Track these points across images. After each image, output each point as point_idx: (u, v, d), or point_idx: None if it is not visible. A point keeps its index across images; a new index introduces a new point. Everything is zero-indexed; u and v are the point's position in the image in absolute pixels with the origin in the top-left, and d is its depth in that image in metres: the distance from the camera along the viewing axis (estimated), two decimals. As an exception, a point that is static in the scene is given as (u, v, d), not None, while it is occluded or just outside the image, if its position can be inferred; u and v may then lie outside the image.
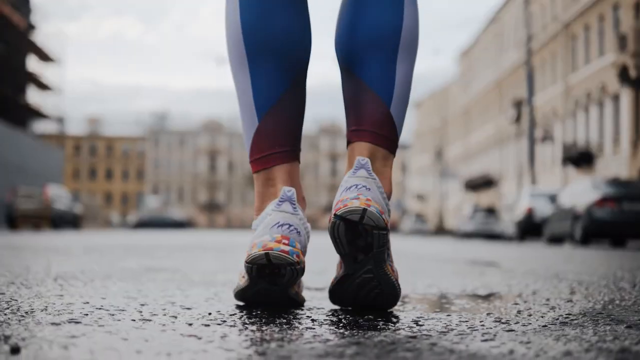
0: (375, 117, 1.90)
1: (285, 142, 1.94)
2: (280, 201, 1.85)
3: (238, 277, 1.99)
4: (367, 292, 1.89)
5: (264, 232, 1.83)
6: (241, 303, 2.05)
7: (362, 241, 1.81)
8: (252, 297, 1.93)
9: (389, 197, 1.91)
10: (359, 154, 1.87)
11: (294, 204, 1.86)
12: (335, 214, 1.78)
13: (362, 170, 1.83)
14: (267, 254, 1.76)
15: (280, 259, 1.77)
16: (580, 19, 42.97)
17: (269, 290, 1.87)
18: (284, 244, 1.79)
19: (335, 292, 1.95)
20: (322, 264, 4.11)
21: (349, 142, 1.93)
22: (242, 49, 1.90)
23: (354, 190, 1.80)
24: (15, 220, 26.55)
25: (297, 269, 1.80)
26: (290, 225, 1.83)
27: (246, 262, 1.80)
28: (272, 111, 1.92)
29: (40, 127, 57.10)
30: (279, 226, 1.82)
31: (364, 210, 1.75)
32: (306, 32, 1.96)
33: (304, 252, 1.85)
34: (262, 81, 1.91)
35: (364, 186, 1.81)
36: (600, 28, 40.09)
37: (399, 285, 1.96)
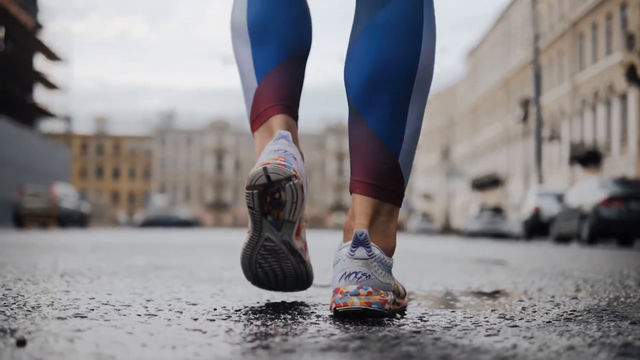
0: (382, 170, 1.80)
1: (282, 98, 1.97)
2: (276, 138, 1.86)
3: (242, 246, 1.94)
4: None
5: (259, 160, 1.83)
6: (247, 299, 2.06)
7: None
8: (259, 256, 1.89)
9: (391, 254, 1.84)
10: (362, 210, 1.79)
11: (290, 141, 1.86)
12: None
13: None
14: (264, 169, 1.76)
15: (278, 172, 1.76)
16: (587, 18, 42.89)
17: (274, 245, 1.85)
18: (281, 161, 1.78)
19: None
20: (327, 263, 4.12)
21: (351, 191, 1.84)
22: (246, 32, 2.02)
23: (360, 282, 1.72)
24: (22, 219, 26.62)
25: (295, 184, 1.78)
26: (286, 151, 1.82)
27: (246, 188, 1.79)
28: (269, 75, 1.98)
29: (48, 126, 57.27)
30: (275, 151, 1.82)
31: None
32: (305, 22, 2.05)
33: (302, 175, 1.83)
34: (262, 54, 2.00)
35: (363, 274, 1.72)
36: (608, 27, 40.00)
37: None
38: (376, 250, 1.73)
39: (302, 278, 1.95)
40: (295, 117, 1.99)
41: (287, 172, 1.77)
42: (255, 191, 1.77)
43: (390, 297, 1.74)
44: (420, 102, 1.84)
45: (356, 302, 1.67)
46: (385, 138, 1.80)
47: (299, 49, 2.03)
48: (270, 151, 1.82)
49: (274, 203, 1.79)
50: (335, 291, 1.71)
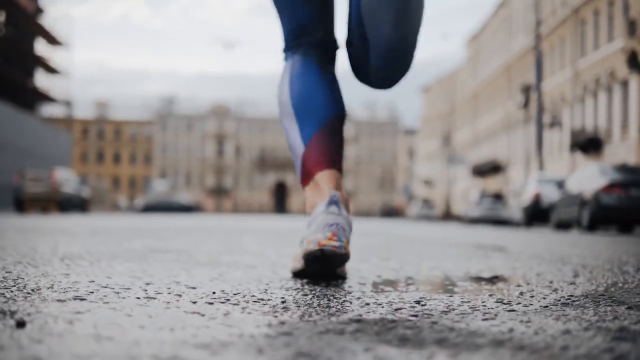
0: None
1: (326, 158, 2.40)
2: (328, 204, 2.24)
3: (292, 261, 2.42)
4: None
5: (317, 230, 2.19)
6: (246, 283, 2.08)
7: None
8: (306, 276, 2.32)
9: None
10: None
11: (339, 206, 2.25)
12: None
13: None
14: (321, 250, 2.15)
15: (331, 253, 2.16)
16: (589, 4, 42.74)
17: (321, 272, 2.25)
18: (334, 240, 2.16)
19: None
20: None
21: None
22: (292, 111, 2.48)
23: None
24: (23, 203, 26.64)
25: (344, 258, 2.21)
26: (337, 224, 2.20)
27: (304, 255, 2.20)
28: (314, 138, 2.43)
29: (48, 110, 57.19)
30: (328, 226, 2.19)
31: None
32: (336, 99, 2.50)
33: (348, 243, 2.23)
34: (306, 123, 2.45)
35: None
36: (610, 13, 39.87)
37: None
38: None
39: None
40: (339, 169, 2.42)
41: (339, 252, 2.17)
42: (310, 258, 2.20)
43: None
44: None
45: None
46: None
47: (335, 112, 2.48)
48: (325, 225, 2.20)
49: (325, 262, 2.21)
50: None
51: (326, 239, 2.16)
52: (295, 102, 2.48)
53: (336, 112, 2.50)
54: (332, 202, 2.25)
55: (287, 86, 2.52)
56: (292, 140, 2.49)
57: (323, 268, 2.23)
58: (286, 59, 2.58)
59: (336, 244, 2.16)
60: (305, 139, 2.44)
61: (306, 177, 2.41)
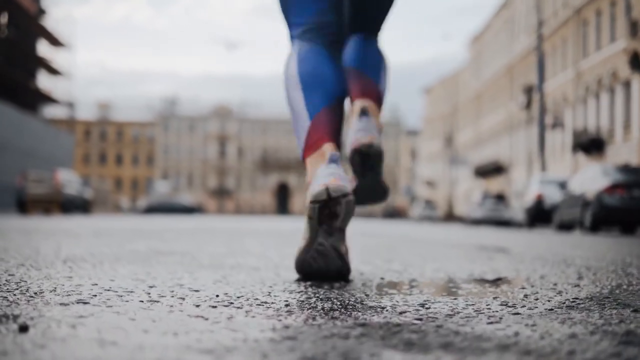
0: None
1: (331, 132, 2.51)
2: (329, 162, 2.37)
3: (297, 250, 2.39)
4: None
5: (318, 180, 2.31)
6: (249, 286, 2.07)
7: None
8: (310, 259, 2.31)
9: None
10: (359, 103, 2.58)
11: (339, 165, 2.38)
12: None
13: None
14: (327, 188, 2.25)
15: (337, 190, 2.26)
16: (591, 5, 42.69)
17: (324, 248, 2.28)
18: (339, 181, 2.28)
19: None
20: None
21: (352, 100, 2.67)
22: (299, 84, 2.59)
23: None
24: (25, 205, 26.64)
25: (350, 201, 2.28)
26: (340, 175, 2.33)
27: (310, 202, 2.28)
28: (321, 112, 2.54)
29: (51, 111, 57.20)
30: (331, 174, 2.31)
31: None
32: (344, 81, 2.65)
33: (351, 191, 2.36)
34: (313, 97, 2.57)
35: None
36: (612, 14, 39.82)
37: None
38: (373, 120, 2.51)
39: (342, 275, 2.35)
40: (339, 148, 2.53)
41: (345, 190, 2.28)
42: (317, 205, 2.27)
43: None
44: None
45: (366, 138, 2.44)
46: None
47: (341, 93, 2.62)
48: (327, 174, 2.33)
49: (330, 214, 2.28)
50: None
51: (330, 181, 2.29)
52: (303, 74, 2.61)
53: (344, 94, 2.64)
54: (332, 160, 2.37)
55: (295, 61, 2.64)
56: (297, 110, 2.58)
57: (328, 225, 2.29)
58: (293, 44, 2.72)
59: (341, 182, 2.28)
60: (313, 111, 2.54)
61: (311, 147, 2.48)
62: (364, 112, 2.54)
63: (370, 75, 2.69)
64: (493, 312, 1.64)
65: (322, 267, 2.30)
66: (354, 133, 2.55)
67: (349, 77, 2.69)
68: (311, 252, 2.30)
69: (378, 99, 2.68)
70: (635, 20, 34.71)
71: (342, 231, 2.33)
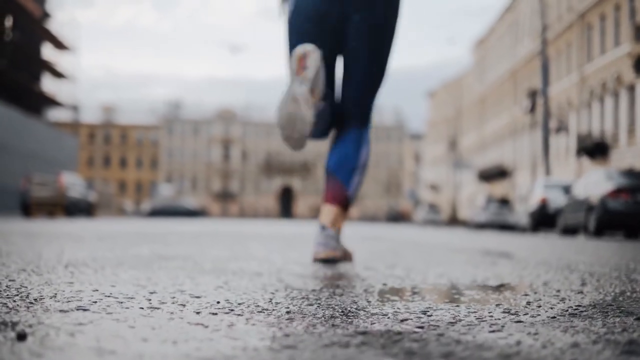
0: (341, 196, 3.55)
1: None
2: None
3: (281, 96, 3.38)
4: None
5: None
6: (251, 292, 2.06)
7: None
8: (287, 105, 3.23)
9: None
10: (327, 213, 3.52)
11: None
12: None
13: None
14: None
15: (307, 48, 3.29)
16: (595, 9, 42.67)
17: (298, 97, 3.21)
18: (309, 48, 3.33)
19: None
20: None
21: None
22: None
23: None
24: (29, 208, 26.67)
25: (316, 58, 3.26)
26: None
27: (290, 57, 3.32)
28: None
29: (55, 115, 57.29)
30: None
31: None
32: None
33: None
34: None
35: None
36: (616, 18, 39.79)
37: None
38: (330, 231, 3.42)
39: (307, 123, 3.22)
40: None
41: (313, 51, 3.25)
42: (295, 58, 3.22)
43: (338, 252, 3.44)
44: (361, 174, 3.68)
45: (321, 254, 3.40)
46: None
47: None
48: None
49: (303, 66, 3.22)
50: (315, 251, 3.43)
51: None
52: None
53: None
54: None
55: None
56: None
57: (300, 74, 3.23)
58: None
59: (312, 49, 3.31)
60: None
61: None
62: (323, 228, 3.37)
63: (344, 180, 3.49)
64: (495, 320, 1.63)
65: (295, 110, 3.19)
66: (315, 245, 3.40)
67: (325, 180, 3.56)
68: (288, 100, 3.21)
69: (345, 202, 3.49)
70: (639, 24, 34.66)
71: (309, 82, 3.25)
